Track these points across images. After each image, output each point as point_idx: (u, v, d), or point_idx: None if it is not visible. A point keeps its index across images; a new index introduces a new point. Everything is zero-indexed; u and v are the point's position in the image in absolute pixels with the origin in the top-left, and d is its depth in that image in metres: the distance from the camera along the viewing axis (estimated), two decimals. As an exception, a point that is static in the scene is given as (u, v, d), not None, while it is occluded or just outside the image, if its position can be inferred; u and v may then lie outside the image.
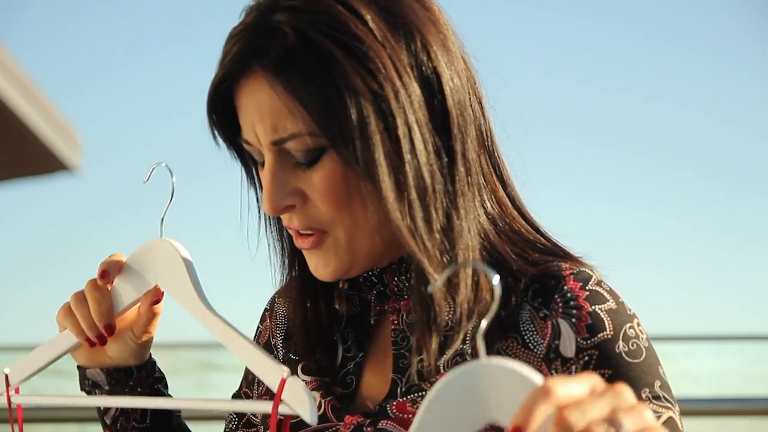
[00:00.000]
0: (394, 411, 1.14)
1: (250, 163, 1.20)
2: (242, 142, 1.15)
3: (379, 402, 1.17)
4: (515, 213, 1.20)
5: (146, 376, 1.30)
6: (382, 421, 1.14)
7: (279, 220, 1.22)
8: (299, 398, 1.05)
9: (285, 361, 1.28)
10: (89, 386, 1.30)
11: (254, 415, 1.34)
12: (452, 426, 0.87)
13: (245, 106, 1.11)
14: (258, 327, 1.37)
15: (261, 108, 1.10)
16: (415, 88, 1.08)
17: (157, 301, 1.21)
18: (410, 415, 1.13)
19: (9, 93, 4.93)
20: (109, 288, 1.22)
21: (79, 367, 1.30)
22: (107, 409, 1.32)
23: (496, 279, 0.85)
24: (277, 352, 1.31)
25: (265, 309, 1.37)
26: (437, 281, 0.90)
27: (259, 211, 1.24)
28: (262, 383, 1.31)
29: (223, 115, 1.15)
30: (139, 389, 1.29)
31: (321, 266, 1.15)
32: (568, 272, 1.14)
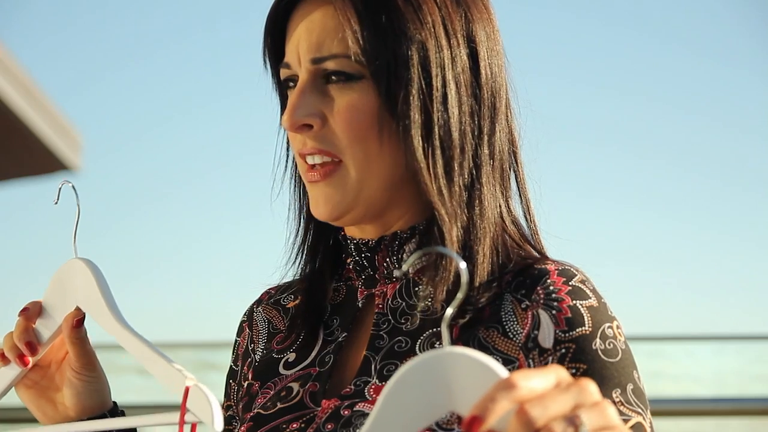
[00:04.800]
0: (371, 393, 1.14)
1: (284, 94, 1.23)
2: (281, 68, 1.20)
3: (352, 380, 1.17)
4: (521, 226, 1.22)
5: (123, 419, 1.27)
6: (360, 404, 1.14)
7: (303, 185, 1.23)
8: (202, 405, 1.05)
9: (264, 361, 1.27)
10: None
11: (231, 408, 1.32)
12: (414, 412, 0.85)
13: (295, 25, 1.18)
14: (236, 340, 1.35)
15: (310, 26, 1.16)
16: (462, 54, 1.16)
17: (80, 322, 1.20)
18: None
19: (9, 93, 4.93)
20: (34, 324, 1.22)
21: None
22: None
23: (462, 265, 0.86)
24: (255, 355, 1.30)
25: (242, 321, 1.36)
26: (403, 267, 0.90)
27: (286, 165, 1.26)
28: (240, 389, 1.30)
29: (274, 41, 1.21)
30: None
31: (322, 201, 1.17)
32: (553, 268, 1.16)
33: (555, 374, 0.82)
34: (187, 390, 1.05)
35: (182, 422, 1.05)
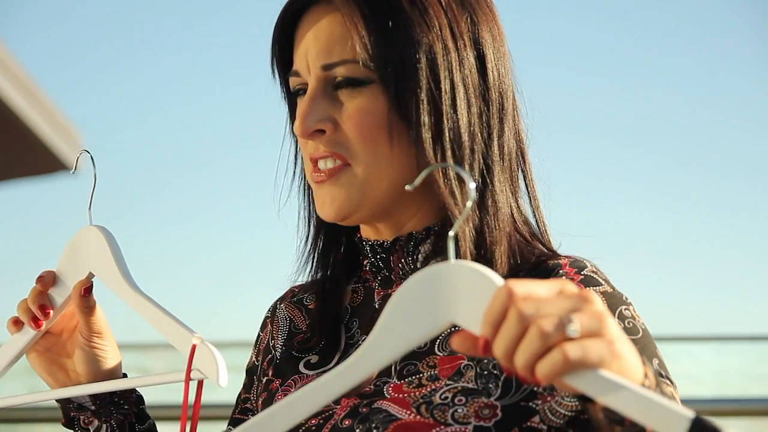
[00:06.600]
0: (390, 392, 1.15)
1: (294, 102, 1.23)
2: (290, 77, 1.20)
3: (372, 381, 1.17)
4: (531, 224, 1.22)
5: (130, 392, 1.31)
6: (378, 401, 1.14)
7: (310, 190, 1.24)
8: (208, 362, 1.06)
9: (285, 359, 1.28)
10: (75, 410, 1.30)
11: (249, 401, 1.33)
12: (416, 323, 0.89)
13: (303, 34, 1.18)
14: (258, 334, 1.37)
15: (318, 34, 1.16)
16: (469, 56, 1.16)
17: (88, 291, 1.23)
18: (406, 395, 1.13)
19: (9, 93, 4.93)
20: (48, 291, 1.25)
21: (62, 402, 1.31)
22: None
23: (472, 184, 0.91)
24: (275, 351, 1.31)
25: (266, 316, 1.38)
26: (414, 182, 0.94)
27: (294, 172, 1.27)
28: (260, 385, 1.31)
29: (282, 50, 1.22)
30: (125, 406, 1.30)
31: (328, 201, 1.18)
32: (564, 260, 1.17)
33: (560, 285, 0.83)
34: (193, 348, 1.06)
35: (188, 379, 1.05)
